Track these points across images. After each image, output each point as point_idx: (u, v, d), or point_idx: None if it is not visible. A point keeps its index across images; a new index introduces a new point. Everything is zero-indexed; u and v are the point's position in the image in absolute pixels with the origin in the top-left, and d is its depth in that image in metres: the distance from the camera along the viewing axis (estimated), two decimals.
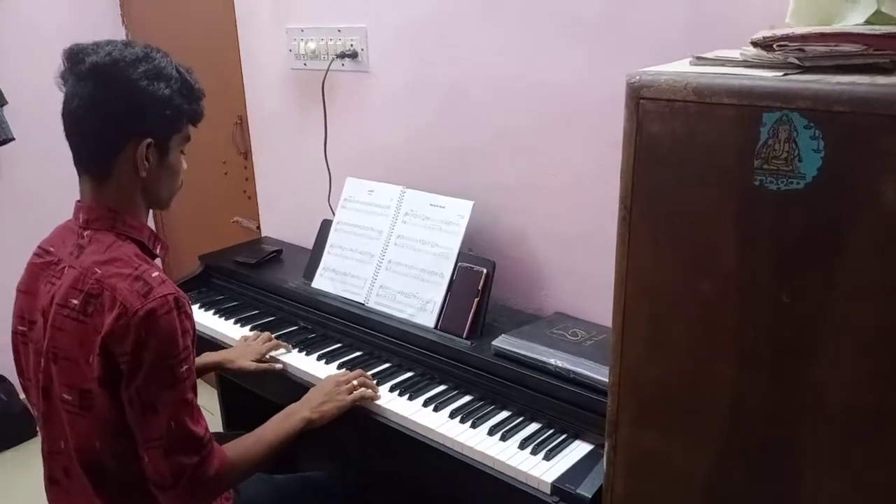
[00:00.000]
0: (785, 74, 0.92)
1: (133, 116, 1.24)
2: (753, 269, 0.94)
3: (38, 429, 1.39)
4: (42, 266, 1.32)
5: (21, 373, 1.39)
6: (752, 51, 1.00)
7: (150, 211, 1.37)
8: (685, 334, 1.02)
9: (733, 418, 1.02)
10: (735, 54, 1.03)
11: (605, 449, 1.16)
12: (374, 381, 1.62)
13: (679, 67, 1.03)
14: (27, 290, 1.34)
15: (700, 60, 1.05)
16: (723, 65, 1.02)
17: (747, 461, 1.02)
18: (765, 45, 0.97)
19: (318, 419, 1.47)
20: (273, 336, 1.84)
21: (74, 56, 1.25)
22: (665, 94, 0.95)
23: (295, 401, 1.51)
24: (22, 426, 2.96)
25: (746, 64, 1.00)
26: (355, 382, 1.57)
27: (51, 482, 1.36)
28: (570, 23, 1.63)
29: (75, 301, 1.21)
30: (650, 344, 1.05)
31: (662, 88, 0.95)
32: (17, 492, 2.68)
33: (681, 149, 0.95)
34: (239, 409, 2.29)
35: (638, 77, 0.98)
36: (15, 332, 1.37)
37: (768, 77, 0.91)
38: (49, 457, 1.34)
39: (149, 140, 1.25)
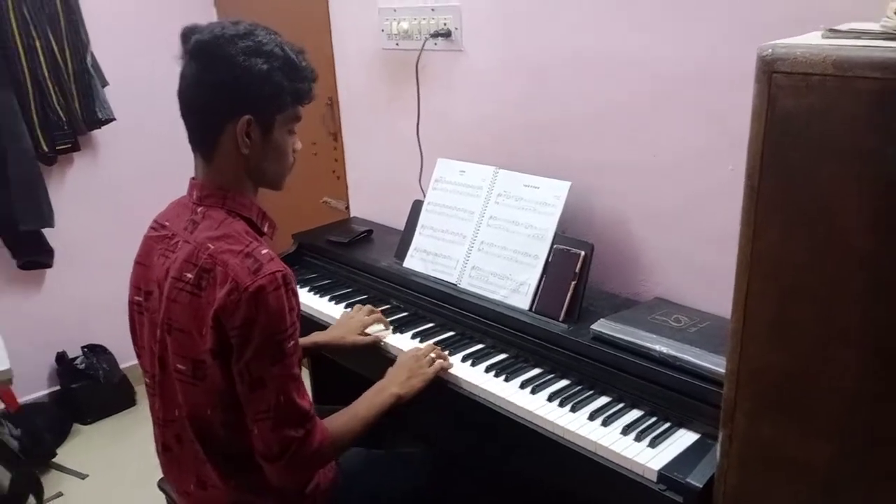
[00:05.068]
0: None
1: (232, 92, 1.25)
2: (892, 252, 0.89)
3: (148, 396, 1.44)
4: (157, 239, 1.37)
5: (135, 341, 1.45)
6: (893, 22, 0.94)
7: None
8: (814, 319, 0.97)
9: (862, 410, 0.96)
10: (873, 26, 0.97)
11: (720, 438, 1.12)
12: (447, 353, 1.67)
13: (811, 40, 0.97)
14: (143, 261, 1.39)
15: (833, 33, 0.99)
16: (858, 37, 0.96)
17: (875, 456, 0.97)
18: None
19: (407, 393, 1.51)
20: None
21: (184, 36, 1.28)
22: (801, 68, 0.90)
23: None
24: (122, 395, 3.09)
25: (887, 36, 0.94)
26: (433, 355, 1.62)
27: (164, 449, 1.42)
28: None
29: (189, 275, 1.25)
30: (775, 329, 1.01)
31: (798, 62, 0.91)
32: (118, 457, 2.81)
33: (817, 125, 0.91)
34: (328, 384, 2.33)
35: (770, 50, 0.93)
36: (131, 302, 1.42)
37: None
38: (163, 425, 1.39)
39: (248, 116, 1.26)
